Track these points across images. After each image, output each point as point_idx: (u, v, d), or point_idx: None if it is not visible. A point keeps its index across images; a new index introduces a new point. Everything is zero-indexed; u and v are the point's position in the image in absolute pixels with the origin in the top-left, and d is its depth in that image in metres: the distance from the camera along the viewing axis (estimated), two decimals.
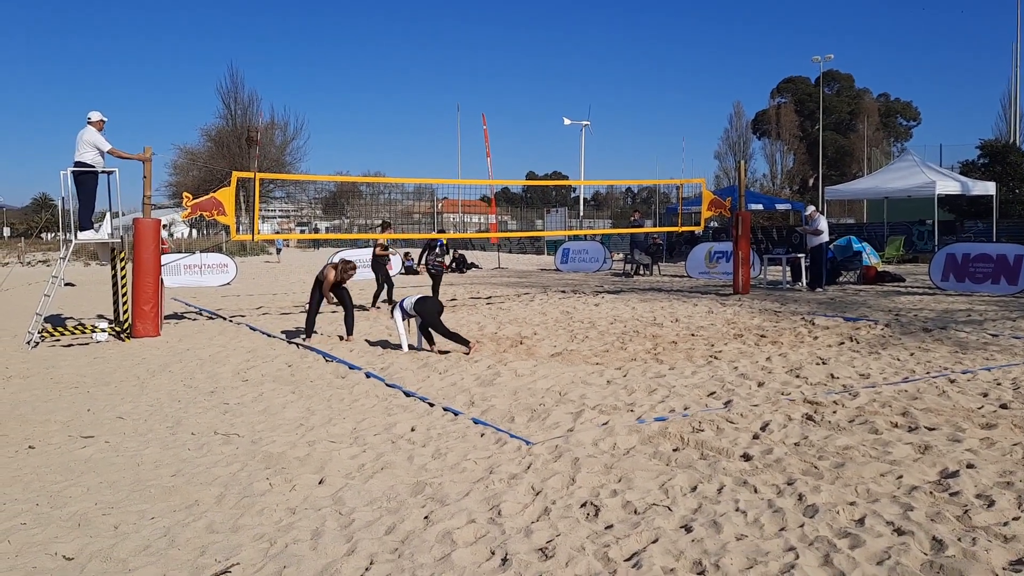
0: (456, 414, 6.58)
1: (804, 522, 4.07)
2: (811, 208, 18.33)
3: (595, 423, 6.14)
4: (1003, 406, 6.45)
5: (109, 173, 11.32)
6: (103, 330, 11.13)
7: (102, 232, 11.61)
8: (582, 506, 4.41)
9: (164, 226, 15.18)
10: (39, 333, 10.76)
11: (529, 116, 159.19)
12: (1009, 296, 14.96)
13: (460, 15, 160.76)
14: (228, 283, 22.92)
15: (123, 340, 11.05)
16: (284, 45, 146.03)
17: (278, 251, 43.25)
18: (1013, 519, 4.04)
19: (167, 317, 13.38)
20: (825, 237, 17.32)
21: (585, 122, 57.65)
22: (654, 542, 3.88)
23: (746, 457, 5.22)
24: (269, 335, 11.53)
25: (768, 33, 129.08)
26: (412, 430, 6.15)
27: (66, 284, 18.20)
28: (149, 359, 9.66)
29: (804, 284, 17.87)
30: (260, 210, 15.05)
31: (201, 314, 14.78)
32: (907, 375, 7.83)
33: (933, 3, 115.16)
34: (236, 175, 12.93)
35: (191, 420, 6.61)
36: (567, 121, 57.84)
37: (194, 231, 69.53)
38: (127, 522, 4.32)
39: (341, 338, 10.94)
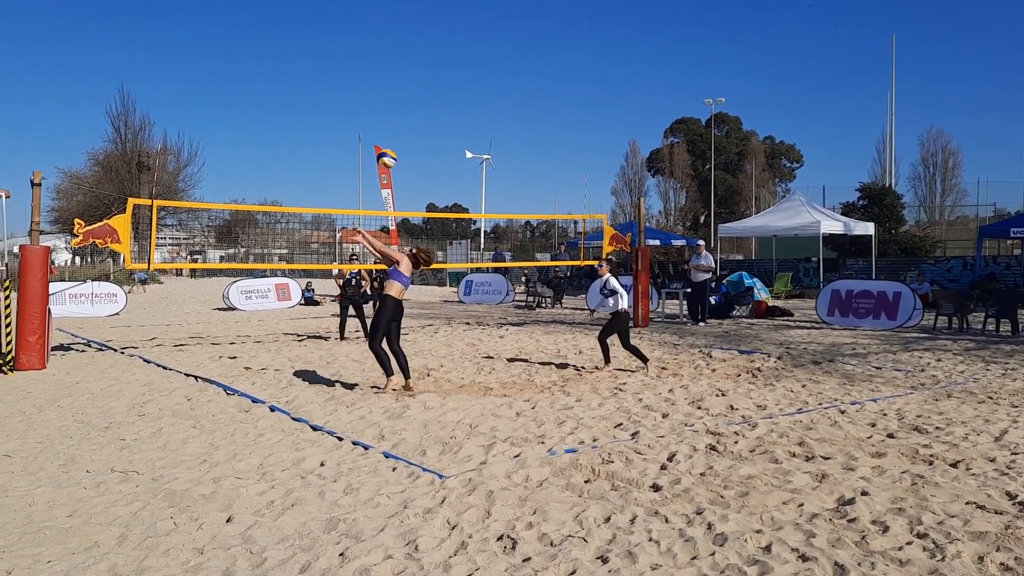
0: (366, 448, 6.50)
1: (715, 550, 4.21)
2: (701, 243, 19.12)
3: (507, 455, 6.17)
4: (890, 435, 6.83)
5: None
6: None
7: None
8: (499, 539, 4.43)
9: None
10: None
11: (431, 149, 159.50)
12: (889, 331, 15.83)
13: (362, 47, 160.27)
14: (117, 313, 22.00)
15: (6, 373, 10.45)
16: (179, 69, 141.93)
17: (142, 282, 35.33)
18: (907, 544, 4.28)
19: (52, 349, 12.73)
20: (712, 274, 18.05)
21: (486, 156, 58.25)
22: (572, 574, 3.93)
23: (655, 487, 5.35)
24: (165, 367, 11.11)
25: (663, 74, 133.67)
26: (322, 465, 6.04)
27: None
28: (36, 393, 9.16)
29: (697, 317, 18.49)
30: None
31: (90, 345, 14.13)
32: (801, 406, 8.19)
33: (814, 50, 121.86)
34: (132, 202, 12.49)
35: (85, 457, 6.30)
36: (469, 154, 58.33)
37: (78, 259, 66.45)
38: (21, 567, 4.08)
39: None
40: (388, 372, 8.87)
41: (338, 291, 14.95)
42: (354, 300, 14.74)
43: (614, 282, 10.51)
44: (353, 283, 14.89)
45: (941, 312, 16.54)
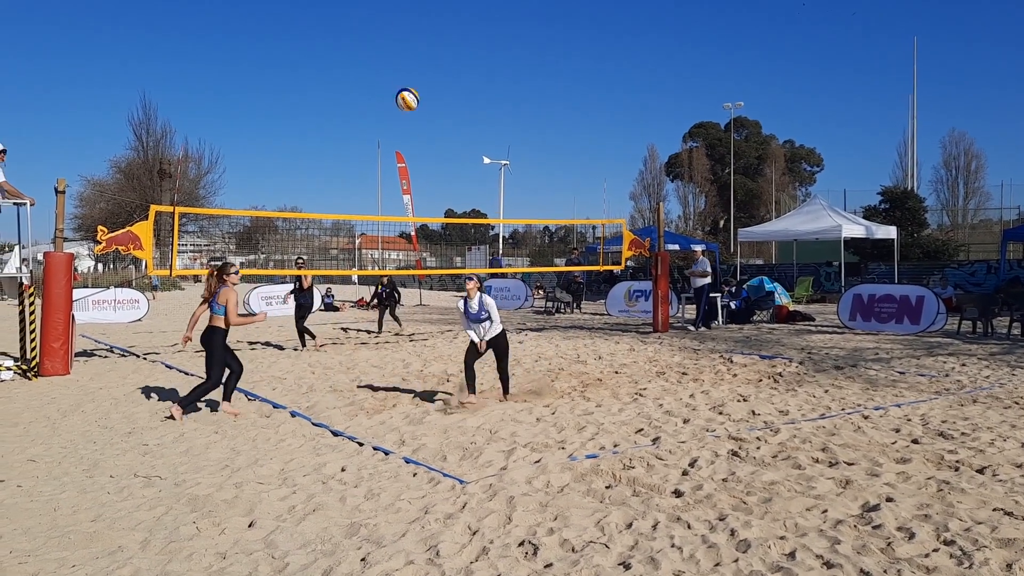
0: (387, 453, 6.51)
1: (738, 557, 4.17)
2: (697, 249, 19.05)
3: (528, 461, 6.16)
4: (915, 441, 6.75)
5: (20, 204, 10.90)
6: (8, 368, 10.62)
7: (10, 266, 11.14)
8: (520, 545, 4.41)
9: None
10: None
11: (449, 154, 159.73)
12: (912, 335, 15.66)
13: (379, 54, 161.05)
14: (139, 319, 22.20)
15: (30, 379, 10.57)
16: (200, 77, 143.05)
17: (153, 288, 37.42)
18: (933, 551, 4.22)
19: (76, 355, 12.85)
20: (709, 279, 17.87)
21: (504, 161, 58.11)
22: None
23: (677, 493, 5.31)
24: (187, 373, 11.19)
25: (681, 78, 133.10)
26: (343, 470, 6.05)
27: None
28: (60, 398, 9.25)
29: (719, 323, 18.34)
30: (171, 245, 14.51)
31: (113, 351, 14.25)
32: (824, 411, 8.12)
33: (834, 53, 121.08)
34: (154, 208, 12.59)
35: (109, 462, 6.35)
36: (487, 160, 58.20)
37: (101, 265, 67.16)
38: (46, 571, 4.12)
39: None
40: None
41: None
42: (305, 304, 14.95)
43: (490, 301, 8.84)
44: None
45: (965, 316, 16.35)
